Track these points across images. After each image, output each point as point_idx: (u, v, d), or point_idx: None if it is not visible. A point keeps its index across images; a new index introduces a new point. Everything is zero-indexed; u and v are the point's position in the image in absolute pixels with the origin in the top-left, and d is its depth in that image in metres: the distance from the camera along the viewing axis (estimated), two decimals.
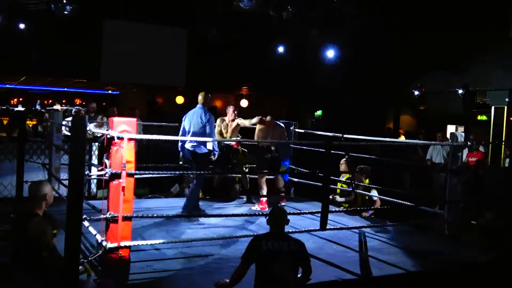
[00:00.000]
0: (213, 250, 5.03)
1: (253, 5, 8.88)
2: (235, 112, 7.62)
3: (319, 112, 15.53)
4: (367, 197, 7.29)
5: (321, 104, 14.87)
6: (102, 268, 4.10)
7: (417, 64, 11.97)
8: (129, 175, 3.99)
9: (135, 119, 4.16)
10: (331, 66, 11.98)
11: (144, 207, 6.79)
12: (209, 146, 6.42)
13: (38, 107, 13.49)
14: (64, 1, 8.66)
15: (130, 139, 3.97)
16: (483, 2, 10.16)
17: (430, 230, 6.61)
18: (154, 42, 11.64)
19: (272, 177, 7.66)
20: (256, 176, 7.51)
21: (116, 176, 3.94)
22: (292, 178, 8.19)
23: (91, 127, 4.29)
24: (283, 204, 7.38)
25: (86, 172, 4.19)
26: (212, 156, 6.57)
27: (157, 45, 11.69)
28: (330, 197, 7.35)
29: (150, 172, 6.47)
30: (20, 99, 17.48)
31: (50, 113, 7.90)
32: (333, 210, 6.73)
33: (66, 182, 5.11)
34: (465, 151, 8.78)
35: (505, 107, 10.89)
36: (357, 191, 7.25)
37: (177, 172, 7.40)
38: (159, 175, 7.07)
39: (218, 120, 7.53)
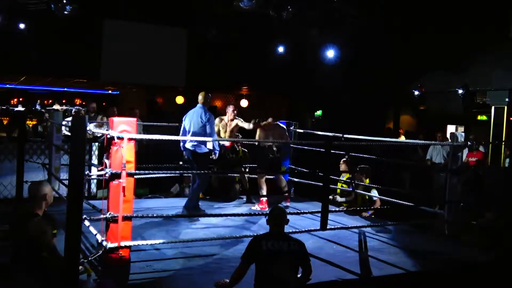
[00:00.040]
0: (213, 250, 5.03)
1: (253, 5, 8.88)
2: (235, 112, 7.63)
3: (319, 112, 15.53)
4: (367, 197, 7.29)
5: (321, 104, 14.87)
6: (102, 268, 4.10)
7: (417, 64, 11.97)
8: (129, 175, 3.99)
9: (135, 119, 4.16)
10: (331, 66, 11.98)
11: (144, 207, 6.80)
12: (209, 145, 6.43)
13: (38, 107, 13.48)
14: (64, 1, 8.65)
15: (130, 139, 3.97)
16: (483, 2, 10.16)
17: (430, 230, 6.62)
18: (154, 42, 11.64)
19: (272, 177, 7.67)
20: (256, 176, 7.51)
21: (116, 176, 3.94)
22: (292, 178, 8.19)
23: (91, 127, 4.29)
24: (287, 204, 7.36)
25: (86, 172, 4.19)
26: (213, 155, 6.57)
27: (157, 45, 11.68)
28: (331, 197, 7.35)
29: (150, 172, 6.46)
30: (20, 99, 17.46)
31: (50, 113, 7.90)
32: (333, 210, 6.74)
33: (66, 182, 5.12)
34: (465, 151, 8.79)
35: (505, 107, 10.89)
36: (357, 191, 7.25)
37: (177, 172, 7.41)
38: (159, 175, 7.07)
39: (217, 120, 7.52)
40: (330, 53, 11.86)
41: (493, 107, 11.15)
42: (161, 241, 4.79)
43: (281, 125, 7.74)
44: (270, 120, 7.60)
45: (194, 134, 6.42)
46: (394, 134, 13.17)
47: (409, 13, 10.80)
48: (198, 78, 11.97)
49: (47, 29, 10.21)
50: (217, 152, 6.65)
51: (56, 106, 10.48)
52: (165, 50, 11.79)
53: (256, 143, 7.71)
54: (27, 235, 3.60)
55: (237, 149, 8.03)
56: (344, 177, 7.64)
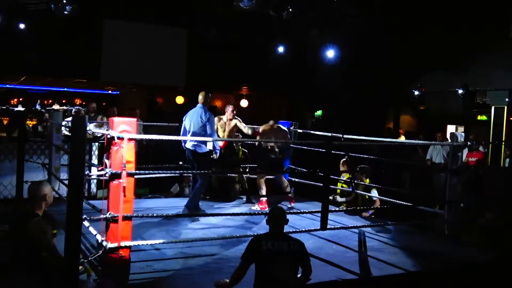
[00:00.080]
0: (213, 250, 5.03)
1: (253, 5, 8.88)
2: (234, 111, 7.62)
3: (319, 112, 15.52)
4: (367, 197, 7.29)
5: (321, 104, 14.86)
6: (102, 268, 4.10)
7: (417, 64, 11.96)
8: (129, 175, 3.99)
9: (135, 119, 4.16)
10: (331, 66, 11.98)
11: (144, 207, 6.80)
12: (210, 145, 6.43)
13: (38, 107, 13.49)
14: (64, 1, 8.65)
15: (130, 139, 3.97)
16: (483, 2, 10.15)
17: (430, 230, 6.62)
18: (154, 42, 11.64)
19: (272, 176, 7.67)
20: (255, 176, 7.51)
21: (116, 176, 3.94)
22: (292, 178, 8.19)
23: (91, 127, 4.29)
24: (292, 205, 7.33)
25: (86, 172, 4.19)
26: (214, 155, 6.58)
27: (157, 45, 11.68)
28: (331, 197, 7.35)
29: (150, 172, 6.47)
30: (20, 99, 17.47)
31: (50, 113, 7.90)
32: (333, 210, 6.74)
33: (66, 182, 5.12)
34: (465, 151, 8.79)
35: (505, 107, 10.88)
36: (357, 191, 7.25)
37: (177, 172, 7.41)
38: (159, 175, 7.07)
39: (216, 119, 7.51)
40: (330, 53, 11.86)
41: (493, 107, 11.14)
42: (161, 241, 4.79)
43: (283, 127, 7.68)
44: (271, 122, 7.58)
45: (194, 134, 6.43)
46: (394, 134, 13.17)
47: (409, 13, 10.80)
48: (198, 78, 11.96)
49: (47, 29, 10.21)
50: (218, 151, 6.66)
51: (56, 106, 10.49)
52: (165, 50, 11.79)
53: (257, 145, 7.67)
54: (27, 235, 3.60)
55: (236, 150, 8.01)
56: (344, 177, 7.64)
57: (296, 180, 8.22)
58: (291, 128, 8.41)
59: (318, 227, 5.20)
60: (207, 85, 8.84)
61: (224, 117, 7.59)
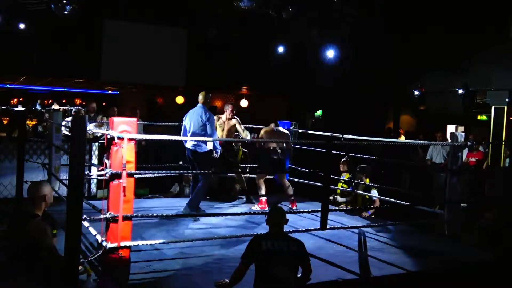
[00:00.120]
0: (213, 250, 5.03)
1: (253, 5, 8.88)
2: (233, 111, 7.60)
3: (319, 112, 15.52)
4: (367, 197, 7.29)
5: (321, 104, 14.86)
6: (102, 268, 4.10)
7: (417, 64, 11.97)
8: (129, 175, 3.99)
9: (135, 119, 4.16)
10: (331, 66, 11.98)
11: (144, 207, 6.80)
12: (210, 145, 6.43)
13: (38, 107, 13.49)
14: (64, 1, 8.65)
15: (130, 139, 3.97)
16: (483, 2, 10.15)
17: (430, 230, 6.62)
18: (154, 42, 11.63)
19: (272, 177, 7.67)
20: (255, 176, 7.51)
21: (116, 176, 3.94)
22: (292, 178, 8.19)
23: (91, 127, 4.29)
24: (294, 208, 7.31)
25: (86, 172, 4.19)
26: (214, 154, 6.58)
27: (157, 45, 11.68)
28: (331, 197, 7.35)
29: (150, 172, 6.46)
30: (20, 99, 17.48)
31: (50, 113, 7.90)
32: (333, 209, 6.74)
33: (66, 182, 5.11)
34: (465, 151, 8.79)
35: (505, 107, 10.88)
36: (357, 191, 7.25)
37: (177, 172, 7.40)
38: (159, 175, 7.07)
39: (214, 117, 7.51)
40: (330, 53, 11.86)
41: (493, 107, 11.14)
42: (161, 241, 4.79)
43: (284, 130, 7.64)
44: (272, 125, 7.56)
45: (195, 133, 6.44)
46: (394, 134, 13.17)
47: (409, 13, 10.80)
48: (198, 78, 11.96)
49: (47, 29, 10.21)
50: (219, 150, 6.66)
51: (55, 106, 10.49)
52: (165, 50, 11.78)
53: (258, 148, 7.63)
54: (27, 235, 3.60)
55: (236, 150, 7.99)
56: (345, 177, 7.64)
57: (296, 180, 8.23)
58: (291, 128, 8.41)
59: (318, 227, 5.20)
60: (207, 85, 8.83)
61: (223, 116, 7.56)
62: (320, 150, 5.60)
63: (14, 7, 9.41)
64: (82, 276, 3.97)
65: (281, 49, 12.43)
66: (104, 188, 4.46)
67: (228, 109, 7.57)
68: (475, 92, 11.57)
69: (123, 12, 10.71)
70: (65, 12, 8.72)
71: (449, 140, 7.66)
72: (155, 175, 6.77)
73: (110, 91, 16.61)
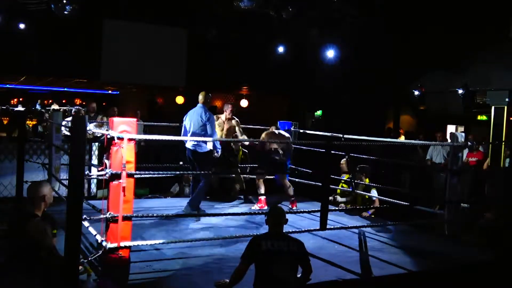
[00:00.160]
0: (213, 250, 5.03)
1: (253, 5, 8.88)
2: (233, 111, 7.60)
3: (319, 112, 15.52)
4: (366, 197, 7.29)
5: (321, 104, 14.86)
6: (102, 268, 4.10)
7: (417, 64, 11.97)
8: (129, 175, 3.99)
9: (135, 119, 4.16)
10: (331, 66, 11.98)
11: (144, 207, 6.80)
12: (210, 144, 6.43)
13: (38, 107, 13.48)
14: (64, 1, 8.65)
15: (130, 139, 3.97)
16: (483, 2, 10.15)
17: (430, 230, 6.62)
18: (154, 42, 11.63)
19: (272, 177, 7.66)
20: (254, 176, 7.50)
21: (116, 176, 3.94)
22: (292, 178, 8.18)
23: (91, 127, 4.29)
24: (294, 208, 7.31)
25: (86, 172, 4.19)
26: (215, 154, 6.58)
27: (157, 45, 11.68)
28: (331, 198, 7.35)
29: (150, 172, 6.46)
30: (20, 99, 17.48)
31: (50, 113, 7.90)
32: (333, 209, 6.74)
33: (66, 182, 5.11)
34: (465, 151, 8.79)
35: (505, 107, 10.88)
36: (357, 191, 7.25)
37: (177, 172, 7.39)
38: (159, 175, 7.07)
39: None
40: (330, 53, 11.86)
41: (493, 107, 11.14)
42: (161, 241, 4.79)
43: (285, 134, 7.64)
44: (273, 128, 7.56)
45: (195, 133, 6.44)
46: (394, 134, 13.17)
47: (409, 13, 10.80)
48: (198, 78, 11.96)
49: (47, 29, 10.21)
50: (219, 150, 6.65)
51: (55, 106, 10.49)
52: (165, 50, 11.78)
53: (259, 150, 7.61)
54: (27, 235, 3.60)
55: (235, 151, 7.97)
56: (345, 177, 7.64)
57: (297, 180, 8.22)
58: (292, 128, 8.40)
59: (318, 227, 5.20)
60: (207, 85, 8.83)
61: (223, 116, 7.56)
62: (320, 150, 5.60)
63: (14, 7, 9.41)
64: (82, 276, 3.98)
65: (281, 49, 12.43)
66: (104, 188, 4.46)
67: (228, 109, 7.57)
68: (475, 92, 11.57)
69: (123, 12, 10.71)
70: (65, 12, 8.72)
71: (449, 140, 7.67)
72: (155, 175, 6.76)
73: (110, 91, 16.61)
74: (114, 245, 3.95)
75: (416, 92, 12.36)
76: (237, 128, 7.54)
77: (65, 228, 3.68)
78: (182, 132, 6.64)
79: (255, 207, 7.25)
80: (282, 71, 12.59)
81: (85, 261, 4.13)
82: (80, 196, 3.81)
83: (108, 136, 4.02)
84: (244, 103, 15.91)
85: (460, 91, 11.30)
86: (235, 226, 6.10)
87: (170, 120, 8.05)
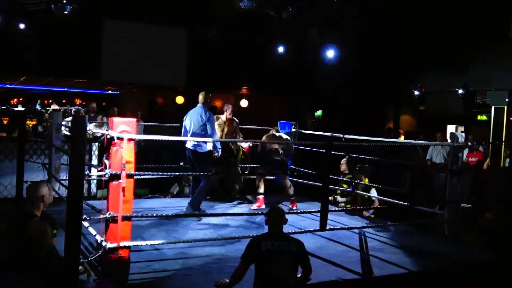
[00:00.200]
0: (213, 250, 5.03)
1: (253, 5, 8.88)
2: (233, 111, 7.59)
3: (319, 112, 15.52)
4: (366, 196, 7.29)
5: (321, 104, 14.86)
6: (102, 268, 4.10)
7: (417, 64, 11.97)
8: (129, 175, 3.99)
9: (135, 119, 4.15)
10: (331, 66, 11.98)
11: (144, 207, 6.80)
12: (210, 145, 6.43)
13: (38, 107, 13.49)
14: (64, 1, 8.65)
15: (129, 140, 3.97)
16: (483, 2, 10.15)
17: (430, 230, 6.62)
18: (154, 42, 11.63)
19: (272, 177, 7.66)
20: (254, 177, 7.50)
21: (116, 176, 3.94)
22: (292, 178, 8.18)
23: (91, 127, 4.29)
24: (294, 208, 7.30)
25: (86, 172, 4.19)
26: (215, 154, 6.58)
27: (157, 45, 11.68)
28: (331, 198, 7.35)
29: (150, 172, 6.46)
30: (20, 99, 17.48)
31: (50, 113, 7.90)
32: (333, 209, 6.74)
33: (66, 182, 5.11)
34: (465, 151, 8.79)
35: (505, 107, 10.89)
36: (357, 191, 7.25)
37: (177, 172, 7.38)
38: (159, 176, 7.07)
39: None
40: (330, 53, 11.85)
41: (493, 107, 11.15)
42: (161, 241, 4.79)
43: (285, 136, 7.65)
44: (273, 131, 7.56)
45: (195, 133, 6.44)
46: (394, 134, 13.17)
47: (409, 13, 10.80)
48: (198, 78, 11.96)
49: (47, 29, 10.20)
50: (219, 150, 6.66)
51: (54, 106, 10.50)
52: (165, 50, 11.78)
53: (260, 151, 7.61)
54: (26, 236, 3.60)
55: (235, 151, 7.97)
56: (345, 177, 7.64)
57: (296, 180, 8.22)
58: (292, 128, 8.40)
59: (318, 227, 5.20)
60: (207, 85, 8.83)
61: (223, 116, 7.55)
62: (320, 150, 5.60)
63: (14, 7, 9.41)
64: (82, 276, 3.97)
65: (281, 49, 12.42)
66: (103, 188, 4.46)
67: (228, 109, 7.56)
68: (475, 92, 11.58)
69: (123, 12, 10.71)
70: (65, 12, 8.72)
71: (449, 140, 7.67)
72: (155, 175, 6.76)
73: (110, 91, 16.61)
74: (114, 245, 3.95)
75: (416, 92, 12.37)
76: (236, 128, 7.55)
77: (65, 228, 3.68)
78: (182, 132, 6.64)
79: (254, 207, 7.25)
80: (282, 71, 12.59)
81: (85, 261, 4.13)
82: (80, 196, 3.81)
83: (108, 136, 4.02)
84: (244, 103, 15.91)
85: (460, 91, 11.31)
86: (235, 226, 6.10)
87: (170, 120, 8.05)
